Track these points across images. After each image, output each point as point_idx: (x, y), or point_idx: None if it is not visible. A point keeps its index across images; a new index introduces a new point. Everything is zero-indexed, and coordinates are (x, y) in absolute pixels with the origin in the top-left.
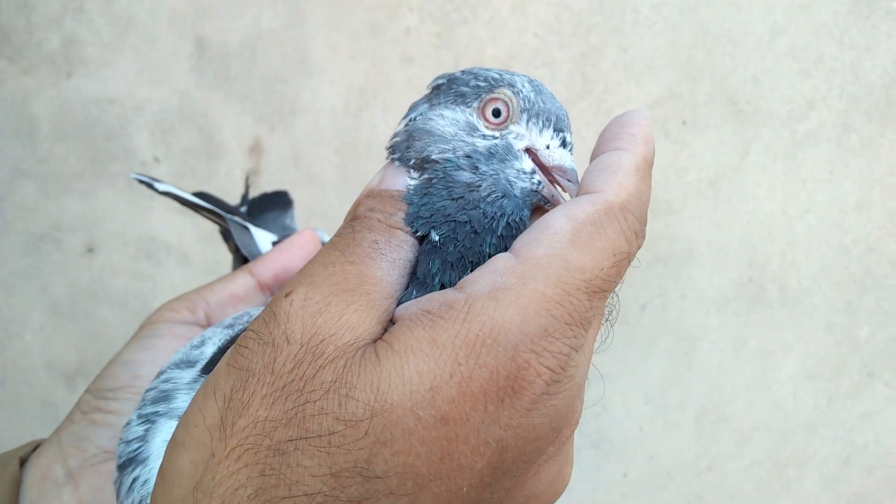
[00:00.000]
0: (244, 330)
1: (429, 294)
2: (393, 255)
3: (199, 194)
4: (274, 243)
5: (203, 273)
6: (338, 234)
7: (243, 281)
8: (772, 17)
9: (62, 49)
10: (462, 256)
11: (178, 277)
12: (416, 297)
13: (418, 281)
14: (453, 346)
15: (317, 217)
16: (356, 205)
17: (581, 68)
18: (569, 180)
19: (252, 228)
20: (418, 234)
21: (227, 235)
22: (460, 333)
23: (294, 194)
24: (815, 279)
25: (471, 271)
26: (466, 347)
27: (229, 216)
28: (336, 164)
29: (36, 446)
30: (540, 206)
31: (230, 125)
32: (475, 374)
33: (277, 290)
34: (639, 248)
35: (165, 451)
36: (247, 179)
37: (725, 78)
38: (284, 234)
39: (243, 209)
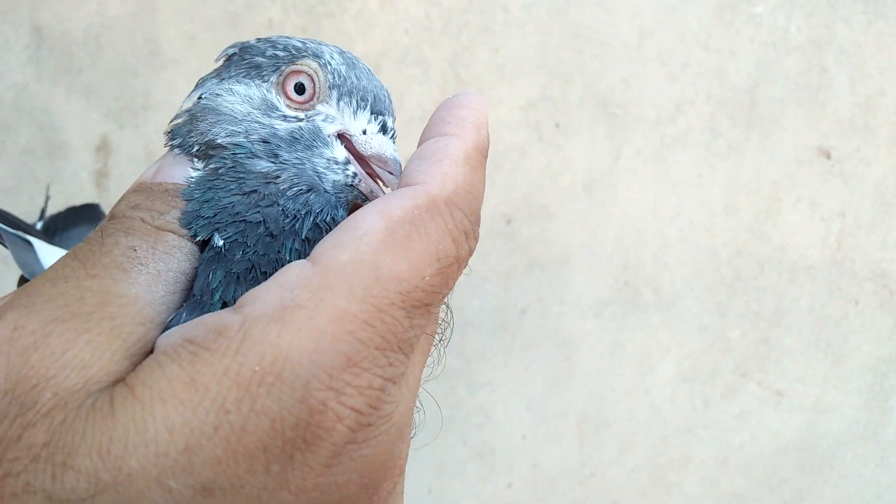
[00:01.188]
0: None
1: (195, 318)
2: (157, 265)
3: None
4: None
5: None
6: (85, 240)
7: None
8: (639, 19)
9: None
10: (253, 266)
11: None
12: (185, 321)
13: (194, 299)
14: (219, 389)
15: None
16: (118, 202)
17: (454, 68)
18: (390, 172)
19: (37, 244)
20: (198, 238)
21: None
22: (230, 370)
23: None
24: (687, 282)
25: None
26: (238, 389)
27: (4, 228)
28: None
29: None
30: (357, 203)
31: (74, 122)
32: (251, 424)
33: None
34: (471, 251)
35: None
36: (46, 190)
37: (596, 81)
38: None
39: (38, 226)
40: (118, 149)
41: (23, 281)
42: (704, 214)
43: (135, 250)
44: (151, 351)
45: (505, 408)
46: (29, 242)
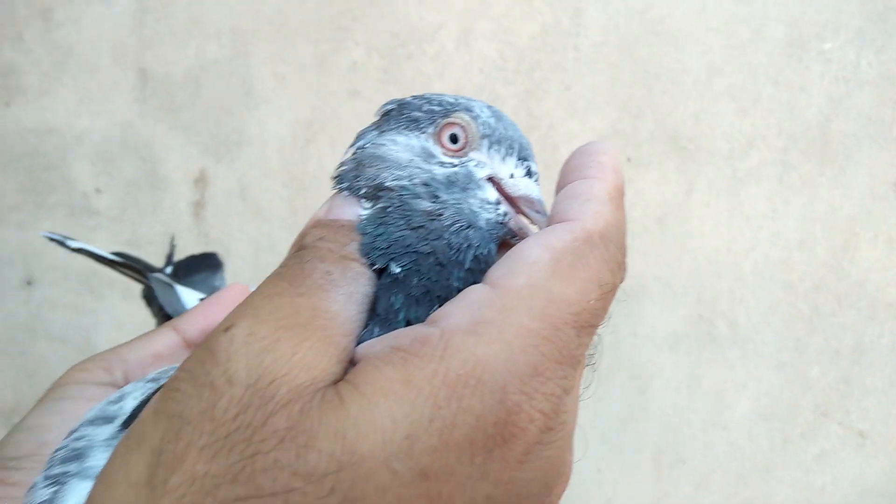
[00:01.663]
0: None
1: (396, 331)
2: (349, 287)
3: (118, 254)
4: (201, 300)
5: (147, 306)
6: (282, 266)
7: (167, 338)
8: (708, 56)
9: (0, 78)
10: (428, 290)
11: (122, 311)
12: (378, 335)
13: (379, 318)
14: (431, 387)
15: (264, 251)
16: (302, 235)
17: (526, 104)
18: (537, 211)
19: (177, 287)
20: (375, 266)
21: (149, 299)
22: (438, 372)
23: (241, 227)
24: (763, 316)
25: (438, 306)
26: (447, 388)
27: (151, 274)
28: (284, 197)
29: None
30: (506, 240)
31: (175, 157)
32: (459, 419)
33: None
34: (622, 280)
35: None
36: (172, 240)
37: (667, 116)
38: (212, 293)
39: (168, 270)
40: (214, 181)
41: (163, 317)
42: (780, 249)
43: (330, 274)
44: (352, 360)
45: (580, 439)
46: (171, 285)
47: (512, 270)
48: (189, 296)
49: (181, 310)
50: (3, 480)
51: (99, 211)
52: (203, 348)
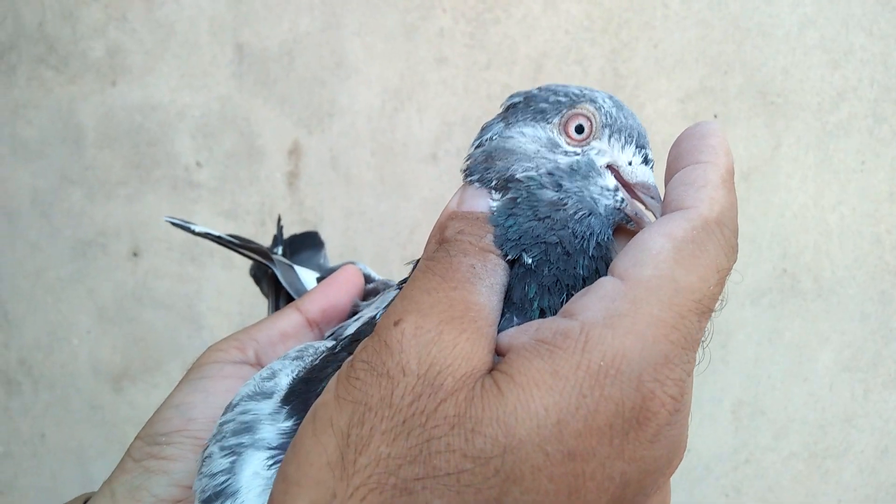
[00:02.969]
0: (348, 359)
1: (535, 322)
2: (490, 279)
3: (233, 236)
4: (318, 279)
5: (246, 275)
6: (431, 259)
7: (291, 318)
8: (801, 9)
9: (106, 57)
10: (557, 279)
11: (223, 280)
12: (516, 324)
13: (515, 306)
14: (576, 378)
15: (354, 217)
16: (441, 227)
17: (612, 64)
18: (652, 197)
19: (297, 267)
20: (508, 257)
21: (258, 278)
22: (581, 364)
23: (332, 195)
24: (849, 270)
25: (567, 294)
26: (590, 379)
27: (274, 255)
28: (373, 165)
29: (86, 500)
30: (621, 224)
31: (270, 129)
32: (601, 406)
33: (325, 326)
34: (735, 262)
35: (274, 490)
36: (279, 220)
37: (756, 71)
38: (322, 272)
39: (277, 250)
40: (307, 152)
41: (278, 297)
42: (868, 202)
43: (474, 268)
44: (497, 348)
45: None
46: (291, 266)
47: (638, 261)
48: (307, 275)
49: (300, 287)
50: (154, 455)
51: (200, 183)
52: (376, 340)
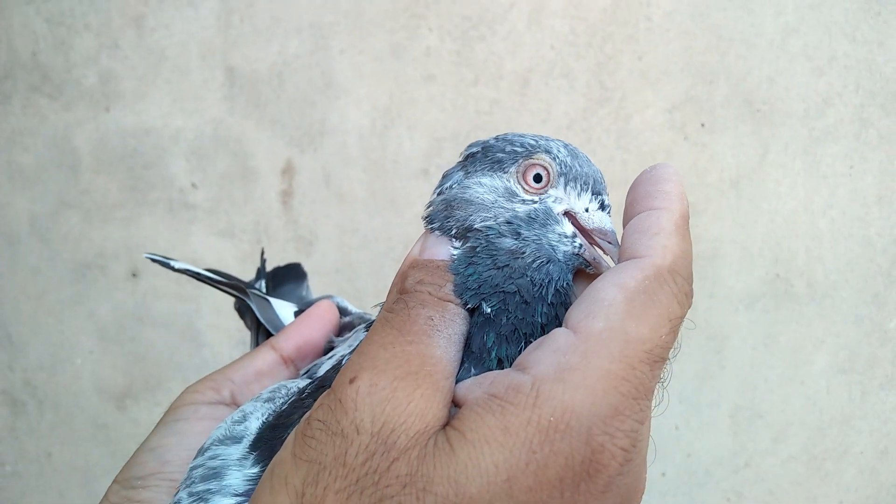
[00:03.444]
0: (305, 416)
1: (490, 374)
2: (448, 330)
3: (212, 271)
4: (296, 313)
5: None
6: (390, 310)
7: (266, 357)
8: (783, 17)
9: (99, 84)
10: (515, 328)
11: (220, 297)
12: (474, 374)
13: (474, 356)
14: (526, 434)
15: (348, 234)
16: (402, 276)
17: (598, 77)
18: (609, 242)
19: (272, 301)
20: (468, 306)
21: (241, 311)
22: (532, 420)
23: (326, 212)
24: (841, 273)
25: (525, 343)
26: (540, 434)
27: (250, 290)
28: (364, 182)
29: None
30: (580, 269)
31: (262, 149)
32: (551, 461)
33: (301, 363)
34: (689, 307)
35: None
36: (262, 253)
37: (741, 80)
38: (301, 305)
39: (258, 284)
40: (300, 171)
41: (260, 332)
42: (857, 205)
43: (432, 319)
44: (454, 399)
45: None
46: (267, 300)
47: (590, 313)
48: (283, 308)
49: (277, 322)
50: (130, 499)
51: (195, 205)
52: (332, 399)
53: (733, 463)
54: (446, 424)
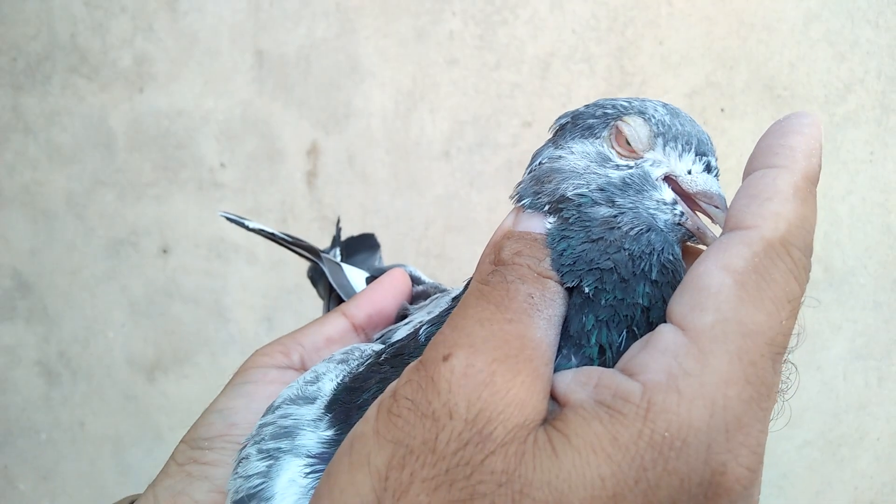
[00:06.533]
0: (391, 389)
1: (594, 371)
2: (549, 310)
3: (289, 236)
4: (368, 280)
5: (270, 269)
6: (485, 283)
7: (337, 323)
8: (805, 3)
9: (134, 66)
10: (615, 311)
11: (248, 275)
12: (573, 363)
13: (572, 340)
14: (637, 448)
15: (370, 214)
16: (495, 246)
17: (619, 62)
18: (716, 206)
19: (345, 266)
20: (566, 285)
21: (315, 279)
22: (644, 434)
23: (349, 193)
24: (859, 259)
25: (627, 330)
26: (652, 451)
27: (323, 254)
28: (388, 164)
29: (131, 502)
30: (684, 241)
31: (289, 131)
32: (663, 481)
33: (371, 331)
34: (807, 282)
35: None
36: (338, 222)
37: (761, 65)
38: (375, 272)
39: (333, 251)
40: (325, 152)
41: (333, 298)
42: (877, 191)
43: (532, 297)
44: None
45: None
46: (339, 265)
47: (696, 304)
48: (356, 275)
49: (348, 288)
50: (196, 460)
51: (224, 184)
52: (423, 376)
53: None
54: (546, 421)
